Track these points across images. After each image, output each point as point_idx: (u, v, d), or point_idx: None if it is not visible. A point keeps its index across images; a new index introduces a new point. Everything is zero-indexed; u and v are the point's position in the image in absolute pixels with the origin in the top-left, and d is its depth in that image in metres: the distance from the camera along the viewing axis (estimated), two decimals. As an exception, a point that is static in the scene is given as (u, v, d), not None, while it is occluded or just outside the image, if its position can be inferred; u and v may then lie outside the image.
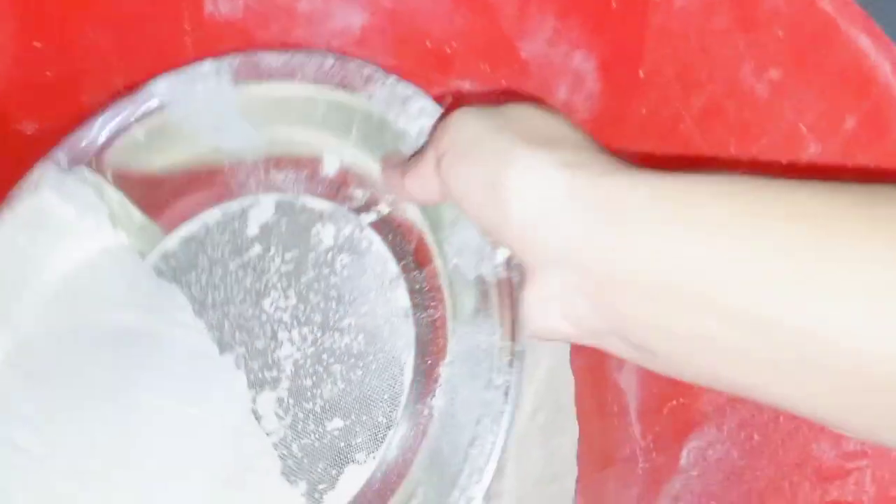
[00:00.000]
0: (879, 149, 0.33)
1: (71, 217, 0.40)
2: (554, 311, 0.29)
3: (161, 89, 0.41)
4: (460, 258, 0.35)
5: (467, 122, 0.32)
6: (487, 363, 0.32)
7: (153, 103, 0.41)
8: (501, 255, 0.33)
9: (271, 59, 0.40)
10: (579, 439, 0.56)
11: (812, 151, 0.36)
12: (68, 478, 0.35)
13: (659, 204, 0.26)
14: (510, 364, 0.32)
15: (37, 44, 0.45)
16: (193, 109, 0.41)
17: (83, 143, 0.41)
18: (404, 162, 0.36)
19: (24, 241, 0.39)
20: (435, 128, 0.36)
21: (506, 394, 0.31)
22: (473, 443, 0.31)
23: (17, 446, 0.36)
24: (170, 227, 0.42)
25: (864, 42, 0.33)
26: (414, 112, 0.37)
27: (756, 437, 0.41)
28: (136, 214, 0.41)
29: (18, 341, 0.39)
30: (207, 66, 0.41)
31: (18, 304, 0.39)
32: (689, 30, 0.38)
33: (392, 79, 0.38)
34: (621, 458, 0.52)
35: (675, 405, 0.48)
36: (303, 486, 0.36)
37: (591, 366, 0.52)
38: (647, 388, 0.50)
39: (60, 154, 0.41)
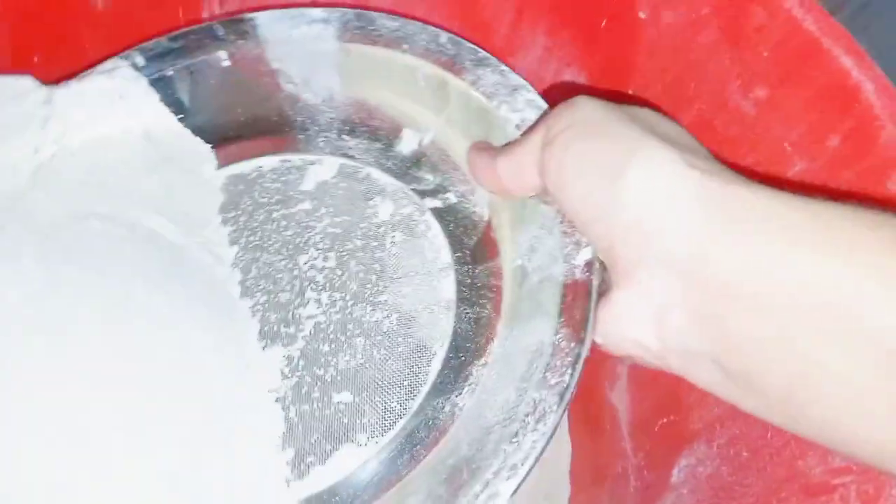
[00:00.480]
0: (862, 166, 0.34)
1: (127, 112, 0.39)
2: (644, 321, 0.27)
3: (263, 20, 0.40)
4: (527, 258, 0.34)
5: (593, 106, 0.30)
6: (541, 363, 0.31)
7: (248, 31, 0.40)
8: (584, 255, 0.32)
9: (385, 22, 0.39)
10: (572, 456, 0.56)
11: (797, 168, 0.36)
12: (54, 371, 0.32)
13: (797, 220, 0.24)
14: (571, 366, 0.30)
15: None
16: (287, 52, 0.40)
17: (162, 50, 0.40)
18: (499, 147, 0.35)
19: (80, 116, 0.38)
20: (543, 116, 0.35)
21: (560, 396, 0.30)
22: (511, 440, 0.30)
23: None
24: (224, 161, 0.40)
25: (847, 61, 0.34)
26: (520, 103, 0.36)
27: (745, 453, 0.41)
28: (187, 135, 0.40)
29: (46, 221, 0.36)
30: (318, 12, 0.40)
31: (58, 178, 0.37)
32: (677, 46, 0.39)
33: (505, 67, 0.38)
34: (613, 475, 0.52)
35: (667, 422, 0.48)
36: (290, 452, 0.34)
37: (584, 382, 0.52)
38: (639, 405, 0.50)
39: (138, 55, 0.40)
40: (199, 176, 0.39)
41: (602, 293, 0.31)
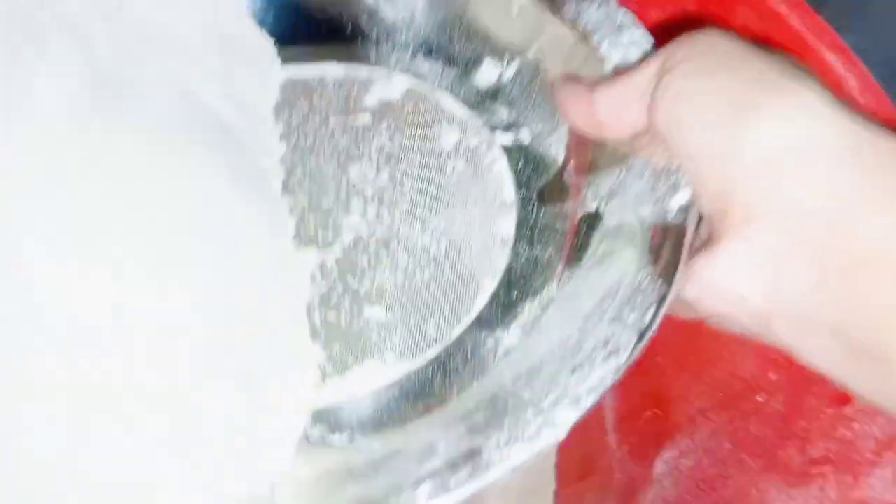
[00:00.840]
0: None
1: None
2: (754, 277, 0.25)
3: None
4: (605, 202, 0.33)
5: (722, 38, 0.27)
6: (615, 303, 0.29)
7: None
8: (680, 198, 0.30)
9: None
10: (557, 451, 0.56)
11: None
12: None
13: None
14: (655, 305, 0.28)
15: None
16: None
17: None
18: (597, 78, 0.32)
19: None
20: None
21: (639, 333, 0.27)
22: (573, 372, 0.27)
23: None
24: (287, 62, 0.38)
25: (832, 58, 0.34)
26: (624, 41, 0.34)
27: (727, 445, 0.42)
28: (255, 28, 0.38)
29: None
30: None
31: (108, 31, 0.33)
32: (662, 43, 0.39)
33: (613, 2, 0.35)
34: (598, 468, 0.53)
35: (650, 416, 0.48)
36: (313, 355, 0.32)
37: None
38: (623, 398, 0.51)
39: None
40: (261, 71, 0.38)
41: (698, 247, 0.29)
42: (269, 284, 0.32)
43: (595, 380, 0.27)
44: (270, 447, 0.29)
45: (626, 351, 0.27)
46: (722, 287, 0.26)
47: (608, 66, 0.34)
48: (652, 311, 0.28)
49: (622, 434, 0.51)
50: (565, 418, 0.26)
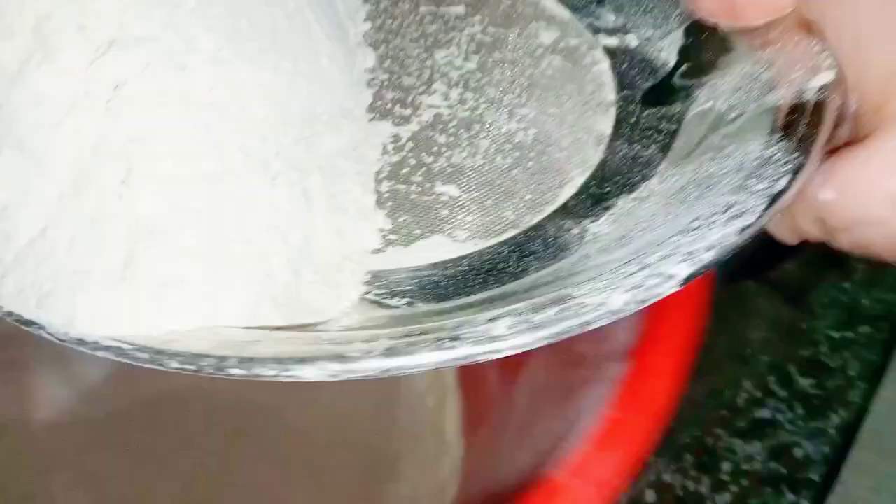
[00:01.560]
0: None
1: None
2: None
3: None
4: (723, 100, 0.30)
5: None
6: (737, 177, 0.26)
7: None
8: (823, 78, 0.27)
9: None
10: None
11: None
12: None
13: None
14: (790, 174, 0.25)
15: None
16: None
17: None
18: None
19: None
20: None
21: (770, 198, 0.25)
22: (686, 233, 0.25)
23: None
24: None
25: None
26: None
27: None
28: None
29: None
30: None
31: None
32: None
33: None
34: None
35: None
36: (378, 218, 0.30)
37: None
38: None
39: None
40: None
41: (837, 146, 0.27)
42: (342, 138, 0.31)
43: (714, 237, 0.24)
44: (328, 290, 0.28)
45: (753, 214, 0.25)
46: (877, 186, 0.24)
47: None
48: (786, 178, 0.25)
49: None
50: (677, 270, 0.24)
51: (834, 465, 0.72)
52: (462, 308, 0.27)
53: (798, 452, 0.74)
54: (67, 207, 0.25)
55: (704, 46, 0.33)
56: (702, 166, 0.29)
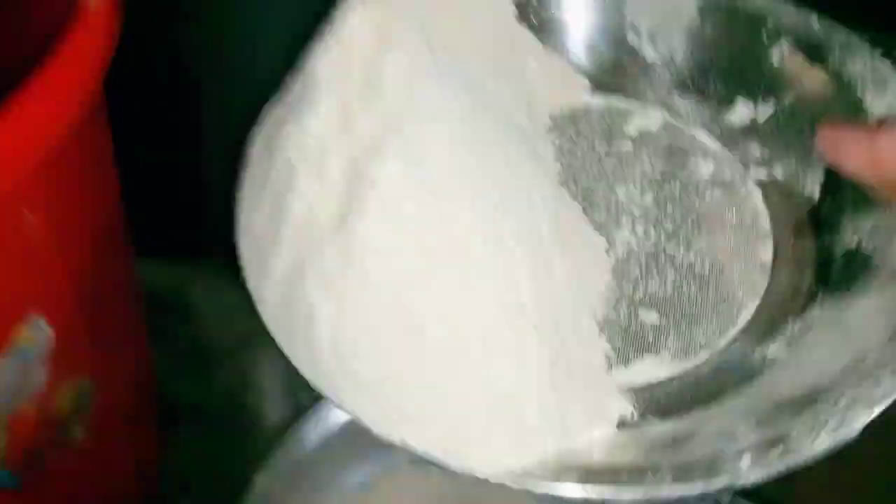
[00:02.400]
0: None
1: None
2: None
3: None
4: (867, 240, 0.36)
5: None
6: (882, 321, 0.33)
7: None
8: None
9: None
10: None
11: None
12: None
13: None
14: None
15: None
16: (646, 5, 0.43)
17: None
18: (878, 123, 0.35)
19: None
20: None
21: None
22: (857, 385, 0.31)
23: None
24: None
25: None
26: (889, 94, 0.37)
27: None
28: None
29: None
30: None
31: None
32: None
33: (878, 54, 0.38)
34: None
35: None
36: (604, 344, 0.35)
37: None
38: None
39: None
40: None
41: None
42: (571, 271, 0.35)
43: (888, 385, 0.30)
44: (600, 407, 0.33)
45: None
46: None
47: (871, 117, 0.37)
48: None
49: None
50: (859, 419, 0.30)
51: None
52: (683, 422, 0.33)
53: None
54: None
55: (846, 185, 0.37)
56: (855, 303, 0.35)
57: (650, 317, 0.36)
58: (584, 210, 0.39)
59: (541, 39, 0.42)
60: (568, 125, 0.42)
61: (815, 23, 0.40)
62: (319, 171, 0.32)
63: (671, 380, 0.35)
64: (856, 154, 0.34)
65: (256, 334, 0.33)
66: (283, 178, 0.33)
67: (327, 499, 0.56)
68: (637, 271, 0.38)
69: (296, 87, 0.35)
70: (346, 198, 0.31)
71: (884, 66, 0.38)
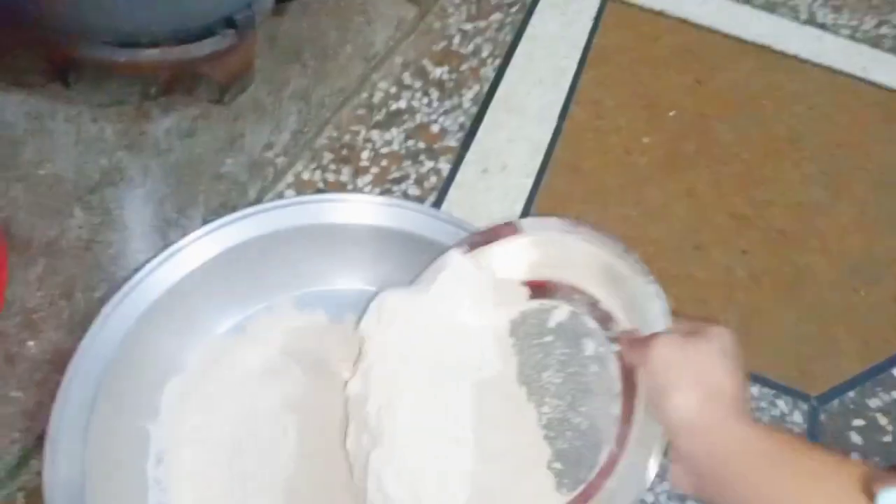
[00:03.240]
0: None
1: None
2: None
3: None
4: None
5: None
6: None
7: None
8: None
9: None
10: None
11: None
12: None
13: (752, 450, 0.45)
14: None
15: None
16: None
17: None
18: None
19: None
20: None
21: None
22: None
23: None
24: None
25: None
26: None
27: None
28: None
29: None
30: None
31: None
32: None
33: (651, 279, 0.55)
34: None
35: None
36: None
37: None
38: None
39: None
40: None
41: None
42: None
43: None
44: None
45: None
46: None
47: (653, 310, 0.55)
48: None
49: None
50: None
51: (471, 131, 0.87)
52: None
53: (435, 128, 0.88)
54: None
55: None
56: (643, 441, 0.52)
57: (557, 466, 0.55)
58: (528, 394, 0.57)
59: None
60: (518, 326, 0.59)
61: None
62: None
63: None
64: (636, 353, 0.52)
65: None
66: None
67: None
68: (553, 434, 0.56)
69: None
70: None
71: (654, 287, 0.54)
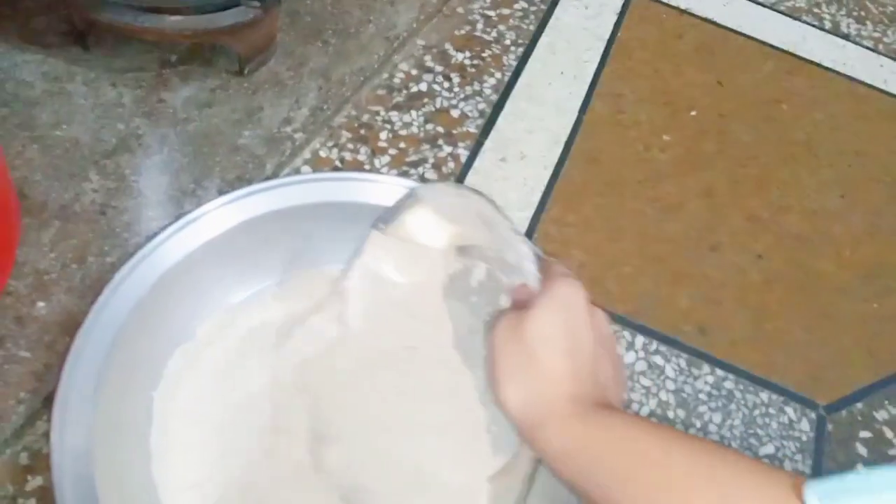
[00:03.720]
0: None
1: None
2: None
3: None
4: None
5: None
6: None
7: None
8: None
9: None
10: None
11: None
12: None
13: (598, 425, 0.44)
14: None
15: None
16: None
17: None
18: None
19: None
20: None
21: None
22: None
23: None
24: None
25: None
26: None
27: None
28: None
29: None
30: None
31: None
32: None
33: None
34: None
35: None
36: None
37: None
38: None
39: None
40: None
41: None
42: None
43: None
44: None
45: None
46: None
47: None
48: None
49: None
50: None
51: (490, 118, 0.84)
52: None
53: (455, 113, 0.86)
54: None
55: None
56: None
57: (494, 428, 0.56)
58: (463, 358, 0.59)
59: None
60: (448, 290, 0.61)
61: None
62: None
63: None
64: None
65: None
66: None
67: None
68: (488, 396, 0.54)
69: None
70: None
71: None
